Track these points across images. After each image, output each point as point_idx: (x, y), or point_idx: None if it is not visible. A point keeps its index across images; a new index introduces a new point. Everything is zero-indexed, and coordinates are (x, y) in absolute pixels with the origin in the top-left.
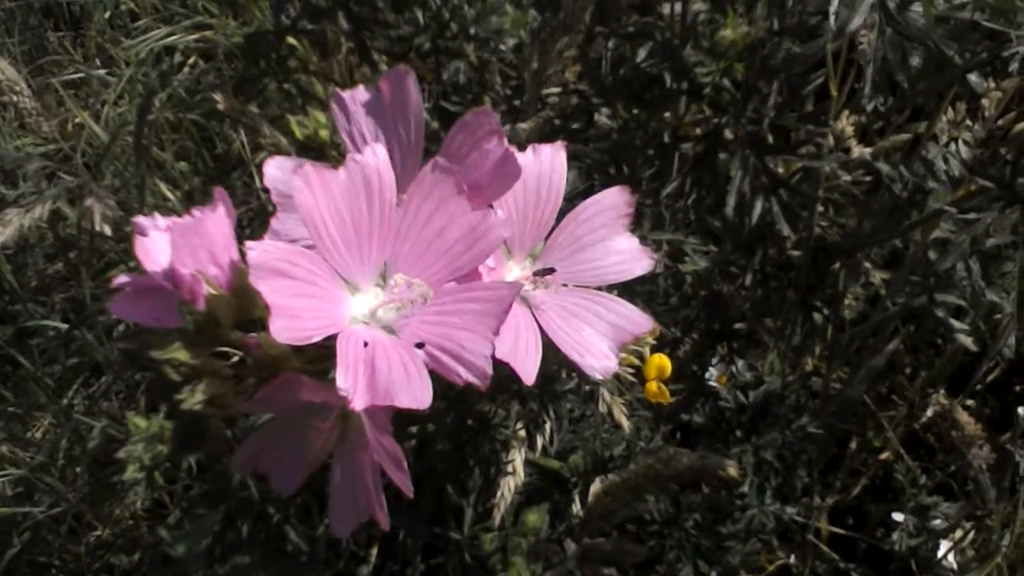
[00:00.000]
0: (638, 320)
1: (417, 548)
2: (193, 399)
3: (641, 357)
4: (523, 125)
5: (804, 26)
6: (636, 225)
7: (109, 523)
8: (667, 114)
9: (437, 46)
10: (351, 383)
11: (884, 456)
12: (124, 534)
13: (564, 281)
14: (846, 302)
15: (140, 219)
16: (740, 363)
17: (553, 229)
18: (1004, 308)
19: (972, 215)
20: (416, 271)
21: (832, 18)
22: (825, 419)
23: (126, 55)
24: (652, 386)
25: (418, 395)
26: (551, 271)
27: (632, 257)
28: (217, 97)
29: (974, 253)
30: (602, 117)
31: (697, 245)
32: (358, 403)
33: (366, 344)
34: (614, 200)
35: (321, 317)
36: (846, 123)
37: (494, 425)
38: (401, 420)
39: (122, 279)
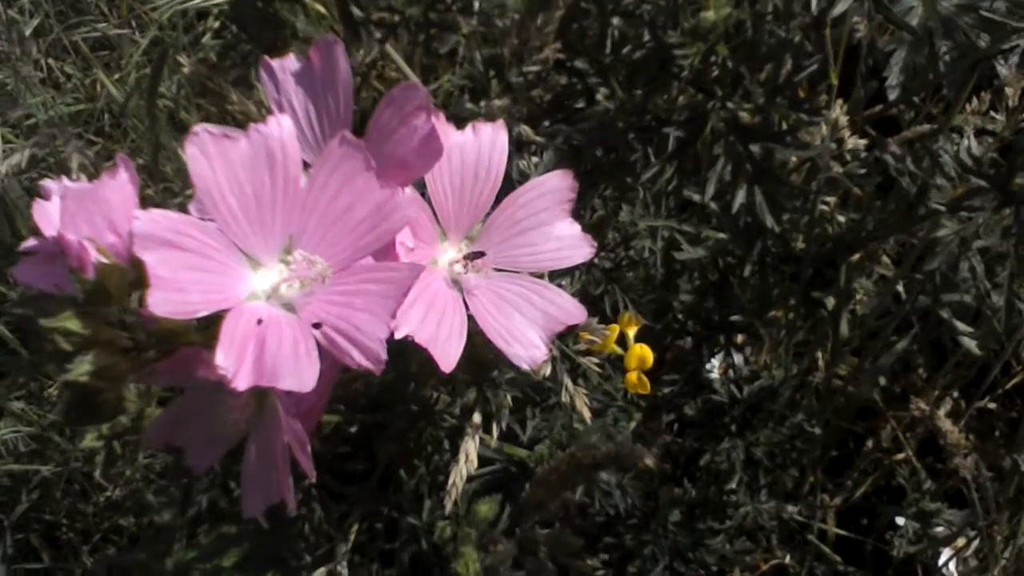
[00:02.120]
0: (571, 309)
1: (403, 529)
2: (78, 370)
3: (624, 345)
4: (497, 102)
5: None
6: (622, 210)
7: (119, 484)
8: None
9: (429, 19)
10: (233, 361)
11: (900, 457)
12: (133, 496)
13: (500, 265)
14: (857, 297)
15: (46, 182)
16: (738, 356)
17: (492, 210)
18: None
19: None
20: (321, 248)
21: (814, 2)
22: (827, 417)
23: (158, 18)
24: (632, 376)
25: (303, 377)
26: (480, 255)
27: (571, 244)
28: (183, 61)
29: (979, 254)
30: (601, 98)
31: (693, 232)
32: (240, 383)
33: (260, 321)
34: (555, 184)
35: (211, 291)
36: (840, 112)
37: (437, 411)
38: (352, 403)
39: (31, 243)
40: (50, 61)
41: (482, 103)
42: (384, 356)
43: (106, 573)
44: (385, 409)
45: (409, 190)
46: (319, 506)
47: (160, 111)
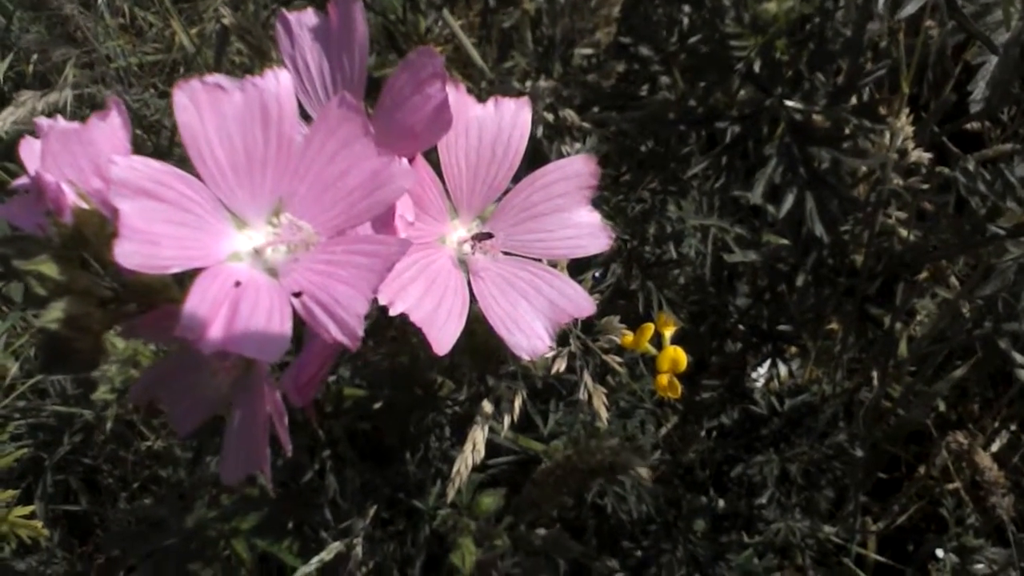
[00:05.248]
0: (581, 302)
1: (414, 512)
2: (48, 317)
3: (660, 346)
4: (543, 83)
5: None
6: (669, 204)
7: (161, 435)
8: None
9: None
10: (200, 322)
11: (952, 486)
12: (172, 449)
13: (511, 249)
14: (918, 318)
15: (40, 120)
16: (783, 368)
17: (508, 191)
18: None
19: None
20: (312, 213)
21: (881, 2)
22: (874, 439)
23: None
24: (663, 379)
25: (271, 348)
26: (488, 236)
27: (588, 233)
28: (224, 12)
29: None
30: (662, 87)
31: (745, 235)
32: (206, 345)
33: (238, 284)
34: (577, 168)
35: (186, 247)
36: (905, 122)
37: (441, 397)
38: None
39: (22, 181)
40: (135, 9)
41: (527, 83)
42: (361, 332)
43: (128, 523)
44: (402, 389)
45: (419, 161)
46: (334, 477)
47: (236, 66)
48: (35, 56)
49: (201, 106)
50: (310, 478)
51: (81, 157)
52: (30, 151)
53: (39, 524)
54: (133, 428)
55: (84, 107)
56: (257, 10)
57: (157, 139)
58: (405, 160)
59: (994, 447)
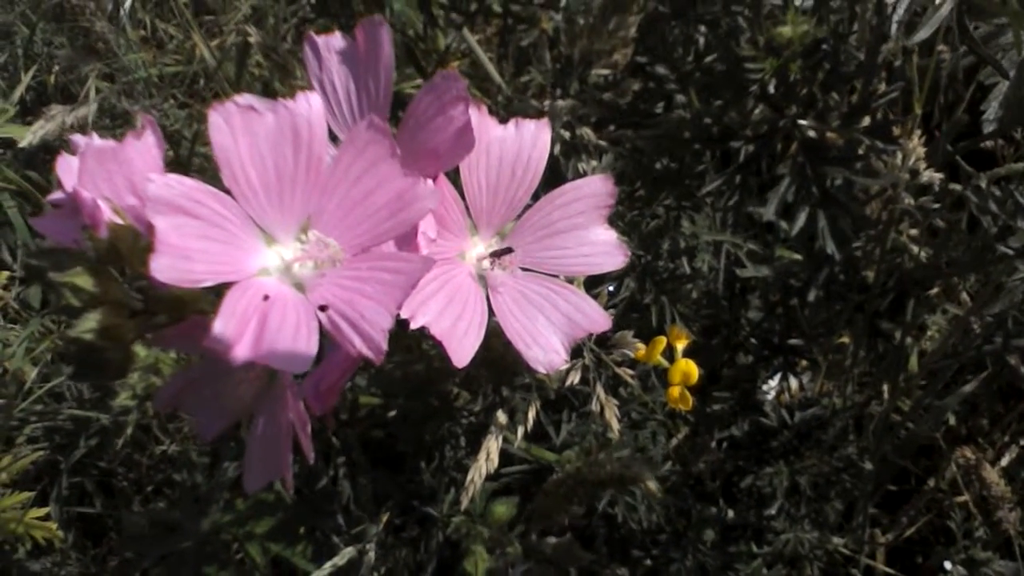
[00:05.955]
0: (597, 317)
1: (427, 520)
2: (83, 327)
3: (672, 358)
4: (561, 102)
5: None
6: (683, 220)
7: (176, 440)
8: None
9: (509, 10)
10: (231, 334)
11: (961, 499)
12: (187, 453)
13: (529, 266)
14: (929, 334)
15: (75, 136)
16: (794, 381)
17: (528, 209)
18: None
19: None
20: (339, 231)
21: (894, 26)
22: (883, 452)
23: None
24: (675, 391)
25: (298, 361)
26: (508, 252)
27: (605, 250)
28: (250, 30)
29: None
30: (678, 106)
31: (758, 251)
32: (236, 357)
33: (267, 297)
34: (595, 188)
35: (218, 262)
36: (917, 143)
37: (456, 407)
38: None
39: (57, 195)
40: (157, 21)
41: (546, 102)
42: (385, 347)
43: (145, 527)
44: (417, 398)
45: (441, 180)
46: (348, 484)
47: (255, 79)
48: (56, 67)
49: (235, 127)
50: (324, 484)
51: (116, 174)
52: (67, 167)
53: (54, 526)
54: (148, 432)
55: (104, 117)
56: (276, 24)
57: (177, 150)
58: (430, 181)
59: (1004, 461)
